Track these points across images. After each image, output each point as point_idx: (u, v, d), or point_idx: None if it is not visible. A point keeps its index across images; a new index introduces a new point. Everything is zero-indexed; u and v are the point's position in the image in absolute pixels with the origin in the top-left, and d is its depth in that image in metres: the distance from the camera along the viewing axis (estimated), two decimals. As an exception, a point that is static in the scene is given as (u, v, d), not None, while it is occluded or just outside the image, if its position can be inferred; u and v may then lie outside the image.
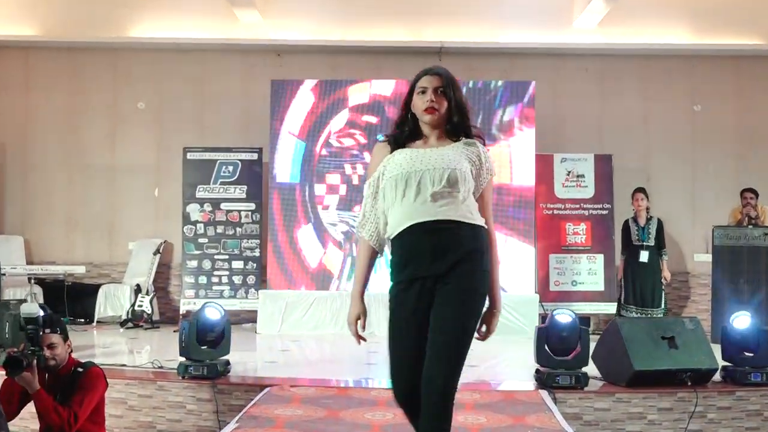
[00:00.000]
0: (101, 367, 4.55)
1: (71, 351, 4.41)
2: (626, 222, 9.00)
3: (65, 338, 4.33)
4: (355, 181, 9.23)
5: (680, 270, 9.94)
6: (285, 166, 9.39)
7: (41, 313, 4.24)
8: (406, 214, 3.01)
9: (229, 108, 10.32)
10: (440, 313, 2.99)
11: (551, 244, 9.52)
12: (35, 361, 4.06)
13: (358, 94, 9.40)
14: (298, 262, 9.27)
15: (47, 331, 4.23)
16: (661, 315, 8.69)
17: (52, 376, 4.26)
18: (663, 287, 8.85)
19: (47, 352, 4.19)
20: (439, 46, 9.93)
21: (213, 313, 5.88)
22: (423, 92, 3.09)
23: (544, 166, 9.56)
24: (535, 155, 9.38)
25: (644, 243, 8.78)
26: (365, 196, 3.18)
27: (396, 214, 3.03)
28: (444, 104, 3.10)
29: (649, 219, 8.85)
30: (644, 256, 8.74)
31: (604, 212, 9.57)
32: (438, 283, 3.00)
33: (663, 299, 8.85)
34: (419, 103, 3.10)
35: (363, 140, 9.32)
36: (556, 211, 9.63)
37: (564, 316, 5.84)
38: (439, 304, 3.00)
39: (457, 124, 3.14)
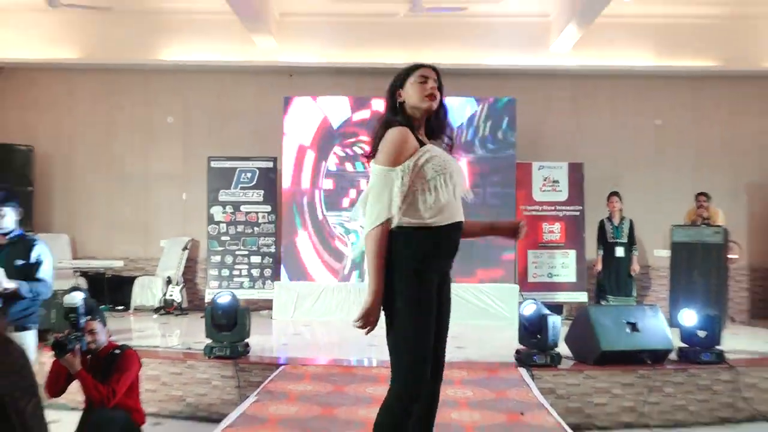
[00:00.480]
0: (136, 349, 4.64)
1: (110, 336, 4.49)
2: (602, 221, 9.04)
3: (104, 325, 4.41)
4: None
5: (642, 264, 9.91)
6: (297, 174, 9.43)
7: (82, 302, 4.32)
8: (457, 210, 2.80)
9: (247, 122, 10.35)
10: (445, 320, 2.90)
11: (529, 241, 9.50)
12: (78, 346, 4.15)
13: (360, 110, 9.44)
14: (309, 256, 9.30)
15: (89, 318, 4.32)
16: (634, 303, 8.75)
17: (94, 357, 4.34)
18: (633, 278, 8.91)
19: (88, 337, 4.29)
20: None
21: (224, 299, 5.99)
22: (424, 81, 2.84)
23: (523, 173, 9.59)
24: (515, 163, 9.44)
25: (618, 240, 8.84)
26: (395, 181, 2.72)
27: (448, 207, 2.76)
28: (438, 97, 2.88)
29: (622, 219, 8.92)
30: (619, 251, 8.81)
31: (576, 213, 9.59)
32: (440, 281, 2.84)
33: (634, 288, 8.93)
34: (419, 91, 2.83)
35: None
36: (534, 212, 9.62)
37: (529, 307, 5.91)
38: (444, 307, 2.87)
39: (440, 121, 2.94)
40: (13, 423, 1.34)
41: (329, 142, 9.41)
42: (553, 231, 9.58)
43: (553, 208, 9.63)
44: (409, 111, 2.86)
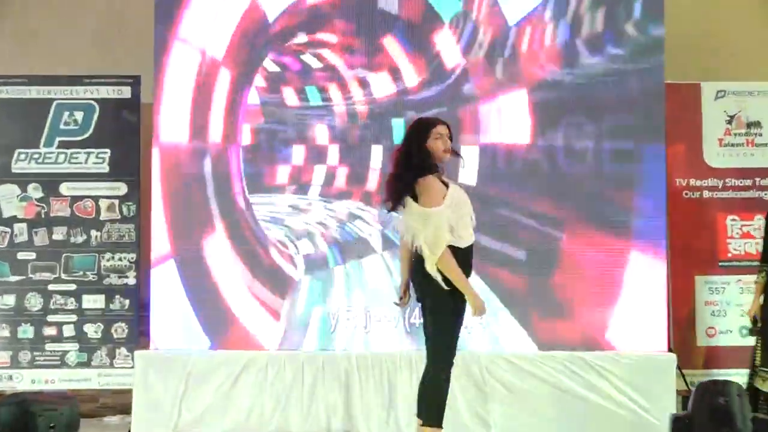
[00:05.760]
0: None
1: None
2: None
3: None
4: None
5: None
6: (190, 115, 6.89)
7: None
8: (471, 234, 4.80)
9: (75, 10, 8.03)
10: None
11: (699, 256, 6.99)
12: None
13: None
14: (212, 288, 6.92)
15: None
16: None
17: None
18: None
19: None
20: None
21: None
22: (440, 137, 4.65)
23: (681, 106, 6.89)
24: (664, 85, 6.78)
25: None
26: (442, 217, 4.77)
27: (469, 231, 4.72)
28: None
29: None
30: None
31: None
32: None
33: None
34: (440, 146, 4.63)
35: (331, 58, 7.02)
36: (705, 193, 7.07)
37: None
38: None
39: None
40: None
41: (258, 51, 7.05)
42: (750, 234, 7.11)
43: (750, 182, 7.19)
44: (433, 160, 4.79)
